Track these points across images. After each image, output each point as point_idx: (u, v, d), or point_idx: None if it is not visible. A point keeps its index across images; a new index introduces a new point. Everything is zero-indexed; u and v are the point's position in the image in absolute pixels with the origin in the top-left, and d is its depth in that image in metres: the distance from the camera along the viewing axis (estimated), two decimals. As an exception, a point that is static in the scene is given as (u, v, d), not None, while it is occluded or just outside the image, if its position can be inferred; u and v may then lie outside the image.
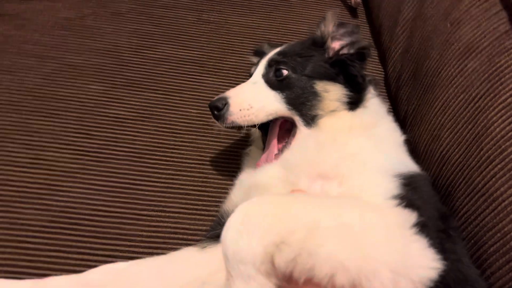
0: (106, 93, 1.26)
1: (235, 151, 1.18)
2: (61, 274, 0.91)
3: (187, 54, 1.40)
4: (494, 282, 0.79)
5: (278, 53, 1.04)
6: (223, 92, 1.28)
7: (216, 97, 1.01)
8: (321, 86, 0.99)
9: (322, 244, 0.61)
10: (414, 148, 1.07)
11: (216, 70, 1.38)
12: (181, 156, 1.17)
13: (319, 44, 1.05)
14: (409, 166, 0.89)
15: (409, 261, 0.63)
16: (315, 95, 0.98)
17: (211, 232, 0.96)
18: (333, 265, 0.60)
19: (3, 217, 0.98)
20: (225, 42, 1.46)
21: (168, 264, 0.90)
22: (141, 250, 0.99)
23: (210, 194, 1.10)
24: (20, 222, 0.98)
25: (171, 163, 1.15)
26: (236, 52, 1.44)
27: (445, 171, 0.97)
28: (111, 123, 1.19)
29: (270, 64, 1.02)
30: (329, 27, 1.05)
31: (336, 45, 1.04)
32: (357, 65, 1.01)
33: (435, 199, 0.87)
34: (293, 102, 0.97)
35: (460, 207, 0.90)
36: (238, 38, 1.48)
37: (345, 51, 1.03)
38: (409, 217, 0.68)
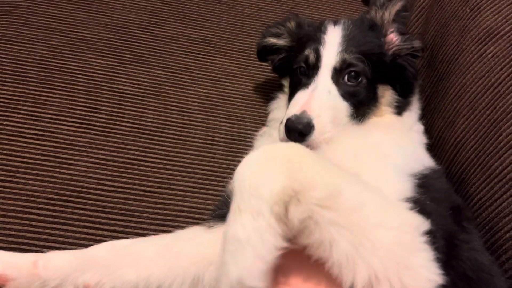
0: (114, 68, 1.24)
1: (244, 133, 1.17)
2: (65, 247, 0.90)
3: (197, 33, 1.38)
4: (509, 268, 0.78)
5: (345, 48, 0.96)
6: (234, 74, 1.28)
7: (294, 114, 0.88)
8: (381, 90, 0.97)
9: (335, 222, 0.60)
10: (427, 136, 1.06)
11: (226, 51, 1.36)
12: (189, 135, 1.15)
13: (377, 32, 1.00)
14: (426, 162, 0.87)
15: (409, 272, 0.62)
16: (375, 101, 0.97)
17: (217, 211, 0.94)
18: (334, 249, 0.60)
19: (7, 187, 0.96)
20: (236, 23, 1.44)
21: (174, 243, 0.88)
22: (147, 226, 0.97)
23: (218, 174, 1.09)
24: (25, 193, 0.96)
25: (179, 141, 1.13)
26: (247, 34, 1.42)
27: (459, 157, 0.96)
28: (118, 98, 1.17)
29: (341, 65, 0.95)
30: (391, 15, 1.01)
31: (393, 38, 1.01)
32: (414, 69, 0.99)
33: (448, 193, 0.85)
34: (355, 111, 0.93)
35: (475, 193, 0.89)
36: (250, 20, 1.46)
37: (404, 51, 1.00)
38: (422, 224, 0.66)
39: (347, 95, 0.93)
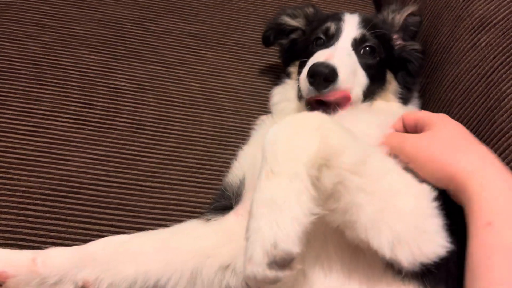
0: (107, 64, 1.23)
1: (237, 126, 1.17)
2: (62, 243, 0.90)
3: (189, 27, 1.38)
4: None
5: (365, 26, 0.98)
6: (227, 68, 1.28)
7: (318, 61, 0.87)
8: (389, 77, 0.99)
9: (363, 188, 0.62)
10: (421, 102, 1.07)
11: (219, 45, 1.36)
12: (183, 129, 1.15)
13: (391, 28, 1.04)
14: None
15: (424, 236, 0.64)
16: (383, 83, 0.98)
17: (215, 204, 0.94)
18: (361, 214, 0.62)
19: (3, 184, 0.95)
20: (229, 17, 1.44)
21: (172, 237, 0.88)
22: (144, 220, 0.97)
23: (212, 167, 1.09)
24: (21, 189, 0.95)
25: (172, 135, 1.13)
26: (240, 28, 1.41)
27: (454, 147, 0.96)
28: (112, 94, 1.17)
29: (361, 37, 0.96)
30: (402, 18, 1.05)
31: (399, 38, 1.04)
32: (417, 65, 1.02)
33: None
34: (368, 86, 0.94)
35: (470, 181, 0.89)
36: (243, 14, 1.45)
37: (408, 47, 1.03)
38: (430, 191, 0.68)
39: (363, 65, 0.94)
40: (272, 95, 1.12)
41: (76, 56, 1.22)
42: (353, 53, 0.94)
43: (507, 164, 0.81)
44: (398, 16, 1.07)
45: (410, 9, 1.09)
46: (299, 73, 1.03)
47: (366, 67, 0.95)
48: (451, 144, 0.71)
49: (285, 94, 1.07)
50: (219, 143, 1.13)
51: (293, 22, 1.15)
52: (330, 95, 0.88)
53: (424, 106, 1.10)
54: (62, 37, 1.26)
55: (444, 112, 1.00)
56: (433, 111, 1.04)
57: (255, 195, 0.61)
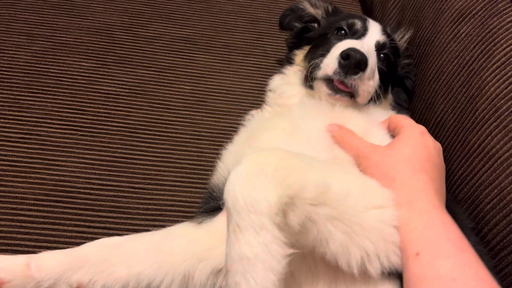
0: (98, 70, 1.25)
1: (229, 126, 1.18)
2: (57, 247, 0.90)
3: (179, 32, 1.39)
4: (492, 239, 0.80)
5: (387, 35, 1.00)
6: (217, 70, 1.29)
7: (352, 46, 0.87)
8: (389, 88, 1.02)
9: (329, 216, 0.62)
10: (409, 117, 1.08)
11: (208, 47, 1.37)
12: (176, 131, 1.16)
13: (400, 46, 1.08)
14: None
15: (392, 246, 0.66)
16: (386, 93, 1.00)
17: (205, 206, 0.95)
18: (330, 242, 0.63)
19: (-4, 190, 0.97)
20: (217, 20, 1.45)
21: (164, 240, 0.89)
22: (138, 222, 0.98)
23: (205, 168, 1.09)
24: (14, 196, 0.97)
25: (165, 138, 1.14)
26: (229, 30, 1.43)
27: (440, 136, 0.98)
28: (103, 99, 1.18)
29: (384, 43, 0.98)
30: (405, 41, 1.09)
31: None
32: (413, 85, 1.06)
33: None
34: (377, 90, 0.95)
35: (457, 169, 0.91)
36: (231, 17, 1.47)
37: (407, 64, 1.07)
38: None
39: (379, 68, 0.95)
40: (271, 81, 1.12)
41: (67, 64, 1.24)
42: (374, 54, 0.95)
43: (490, 149, 0.82)
44: (402, 38, 1.10)
45: (409, 31, 1.12)
46: (307, 56, 1.04)
47: (380, 71, 0.96)
48: (396, 169, 0.73)
49: (286, 80, 1.08)
50: (211, 144, 1.15)
51: (312, 10, 1.16)
52: (353, 83, 0.87)
53: (411, 105, 1.11)
54: (52, 45, 1.28)
55: (429, 104, 1.03)
56: (419, 104, 1.06)
57: (227, 251, 0.62)
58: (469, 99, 0.90)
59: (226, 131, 1.17)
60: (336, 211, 0.63)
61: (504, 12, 0.89)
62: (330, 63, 0.89)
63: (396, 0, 1.30)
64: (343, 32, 1.01)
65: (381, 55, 0.97)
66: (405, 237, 0.65)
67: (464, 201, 0.87)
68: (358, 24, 1.01)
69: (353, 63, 0.85)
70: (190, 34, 1.40)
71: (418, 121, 1.06)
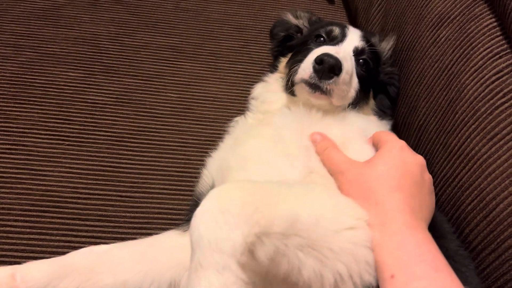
0: (84, 80, 1.25)
1: (216, 133, 1.18)
2: (43, 257, 0.90)
3: (165, 40, 1.40)
4: (473, 240, 0.81)
5: (366, 41, 1.02)
6: (204, 78, 1.30)
7: (328, 52, 0.88)
8: (371, 94, 1.03)
9: (300, 245, 0.62)
10: (393, 123, 1.09)
11: (195, 55, 1.38)
12: (163, 139, 1.17)
13: (381, 52, 1.08)
14: None
15: (365, 266, 0.66)
16: (367, 98, 1.02)
17: (190, 214, 0.95)
18: (303, 270, 0.63)
19: (-18, 202, 0.97)
20: (203, 28, 1.47)
21: (150, 248, 0.89)
22: (125, 230, 0.99)
23: (192, 175, 1.10)
24: (0, 206, 0.97)
25: (152, 146, 1.15)
26: (215, 38, 1.44)
27: (423, 140, 0.99)
28: (90, 108, 1.19)
29: (362, 49, 0.99)
30: (389, 49, 1.10)
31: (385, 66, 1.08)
32: (397, 91, 1.06)
33: None
34: (357, 95, 0.96)
35: (439, 171, 0.92)
36: (217, 25, 1.49)
37: (391, 71, 1.08)
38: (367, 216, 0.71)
39: (358, 73, 0.96)
40: (253, 89, 1.13)
41: (54, 74, 1.24)
42: (352, 60, 0.96)
43: (470, 151, 0.84)
44: (384, 45, 1.11)
45: (393, 38, 1.13)
46: (288, 63, 1.06)
47: (360, 76, 0.97)
48: (371, 187, 0.73)
49: (268, 87, 1.09)
50: (198, 151, 1.15)
51: (294, 21, 1.19)
52: (328, 87, 0.89)
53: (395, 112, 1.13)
54: (39, 56, 1.28)
55: (412, 108, 1.04)
56: (402, 108, 1.08)
57: (187, 286, 0.60)
58: (449, 103, 0.91)
59: (213, 138, 1.17)
60: (306, 240, 0.63)
61: (481, 16, 0.91)
62: (306, 68, 0.90)
63: (379, 6, 1.31)
64: (321, 39, 1.03)
65: (360, 60, 0.98)
66: (380, 259, 0.66)
67: (446, 202, 0.88)
68: (336, 30, 1.03)
69: (326, 68, 0.86)
70: (177, 42, 1.41)
71: (401, 125, 1.08)
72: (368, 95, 1.02)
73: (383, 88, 1.07)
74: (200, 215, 0.61)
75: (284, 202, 0.65)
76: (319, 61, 0.87)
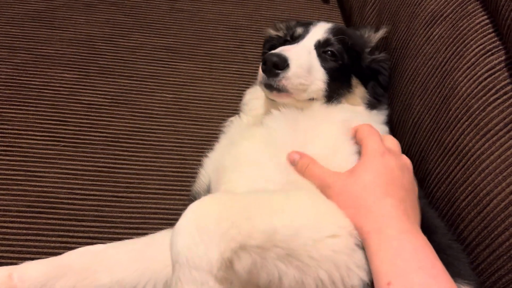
0: (80, 81, 1.25)
1: (212, 133, 1.19)
2: (40, 258, 0.89)
3: (161, 41, 1.41)
4: (467, 235, 0.81)
5: (333, 32, 1.02)
6: (199, 78, 1.31)
7: (273, 51, 0.92)
8: (355, 82, 1.02)
9: (279, 256, 0.63)
10: (388, 121, 1.09)
11: (190, 56, 1.39)
12: (158, 139, 1.17)
13: (364, 43, 1.07)
14: None
15: (348, 272, 0.66)
16: (348, 87, 1.01)
17: None
18: (284, 279, 0.64)
19: (-22, 204, 0.97)
20: (198, 29, 1.47)
21: (146, 247, 0.89)
22: (122, 231, 0.99)
23: (188, 175, 1.10)
24: (-4, 208, 0.97)
25: (148, 146, 1.15)
26: (210, 38, 1.45)
27: (417, 137, 1.00)
28: (85, 110, 1.19)
29: (325, 40, 1.00)
30: (376, 37, 1.09)
31: (372, 53, 1.08)
32: (387, 77, 1.05)
33: None
34: (330, 86, 0.96)
35: (433, 169, 0.92)
36: (212, 25, 1.49)
37: (379, 58, 1.07)
38: (349, 224, 0.71)
39: (324, 63, 0.97)
40: (244, 95, 1.14)
41: (49, 76, 1.25)
42: (314, 52, 0.97)
43: (463, 148, 0.84)
44: (373, 35, 1.11)
45: (383, 30, 1.13)
46: None
47: (328, 68, 0.98)
48: (359, 197, 0.72)
49: (255, 93, 1.10)
50: (194, 151, 1.15)
51: (275, 32, 1.20)
52: (279, 83, 0.90)
53: (389, 102, 1.13)
54: (34, 58, 1.28)
55: (407, 105, 1.05)
56: (397, 105, 1.08)
57: None
58: (443, 100, 0.92)
59: (209, 138, 1.17)
60: (285, 250, 0.63)
61: (473, 14, 0.92)
62: (259, 71, 0.93)
63: (373, 5, 1.32)
64: (288, 42, 1.04)
65: (328, 52, 0.98)
66: (376, 267, 0.65)
67: (441, 199, 0.89)
68: (298, 30, 1.04)
69: (270, 65, 0.88)
70: (172, 43, 1.41)
71: (396, 122, 1.08)
72: (349, 85, 1.01)
73: (374, 76, 1.06)
74: (177, 231, 0.62)
75: (262, 215, 0.65)
76: (263, 61, 0.90)
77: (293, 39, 1.04)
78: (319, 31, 1.03)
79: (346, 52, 1.00)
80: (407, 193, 0.75)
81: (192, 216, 0.62)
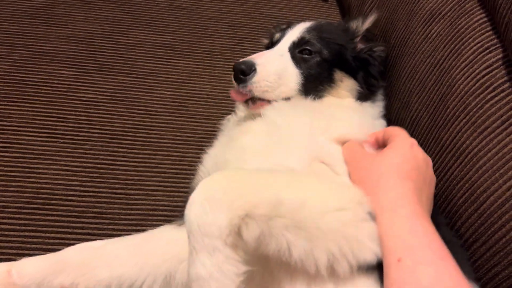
0: (78, 78, 1.25)
1: (211, 130, 1.19)
2: (39, 254, 0.90)
3: (160, 38, 1.41)
4: (465, 232, 0.82)
5: (309, 30, 1.03)
6: (198, 75, 1.31)
7: (243, 59, 0.97)
8: (339, 75, 1.02)
9: (286, 226, 0.64)
10: (386, 113, 1.09)
11: (189, 53, 1.39)
12: (157, 136, 1.17)
13: (350, 35, 1.07)
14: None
15: (358, 244, 0.67)
16: (330, 81, 1.01)
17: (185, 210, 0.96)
18: (293, 250, 0.65)
19: (-23, 200, 0.97)
20: (198, 26, 1.47)
21: (145, 242, 0.90)
22: (120, 227, 0.99)
23: (187, 172, 1.10)
24: (-5, 204, 0.97)
25: (147, 143, 1.15)
26: (210, 36, 1.45)
27: (416, 135, 1.00)
28: (84, 106, 1.19)
29: (300, 40, 1.01)
30: (364, 26, 1.08)
31: (361, 45, 1.07)
32: (378, 66, 1.05)
33: None
34: (307, 84, 0.97)
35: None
36: (211, 23, 1.49)
37: (367, 48, 1.06)
38: (362, 196, 0.72)
39: (298, 63, 0.98)
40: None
41: (47, 72, 1.25)
42: (287, 54, 0.99)
43: (461, 145, 0.85)
44: (360, 25, 1.11)
45: (372, 16, 1.12)
46: None
47: (304, 67, 0.98)
48: (382, 175, 0.74)
49: None
50: (193, 148, 1.16)
51: (266, 40, 1.21)
52: (247, 89, 0.94)
53: (387, 100, 1.13)
54: (32, 54, 1.28)
55: (405, 103, 1.05)
56: (395, 103, 1.08)
57: (188, 270, 0.65)
58: (441, 97, 0.92)
59: (208, 135, 1.18)
60: (292, 221, 0.65)
61: (471, 12, 0.92)
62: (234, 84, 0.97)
63: (371, 3, 1.32)
64: (269, 48, 1.06)
65: (306, 50, 0.99)
66: (387, 243, 0.66)
67: (439, 196, 0.89)
68: (276, 35, 1.07)
69: (237, 73, 0.93)
70: (171, 40, 1.41)
71: (394, 120, 1.09)
72: (331, 79, 1.00)
73: (363, 67, 1.05)
74: (190, 203, 0.65)
75: (268, 187, 0.68)
76: (232, 69, 0.95)
77: (273, 44, 1.06)
78: (295, 32, 1.04)
79: (325, 47, 1.00)
80: (426, 186, 0.77)
81: (203, 189, 0.66)
